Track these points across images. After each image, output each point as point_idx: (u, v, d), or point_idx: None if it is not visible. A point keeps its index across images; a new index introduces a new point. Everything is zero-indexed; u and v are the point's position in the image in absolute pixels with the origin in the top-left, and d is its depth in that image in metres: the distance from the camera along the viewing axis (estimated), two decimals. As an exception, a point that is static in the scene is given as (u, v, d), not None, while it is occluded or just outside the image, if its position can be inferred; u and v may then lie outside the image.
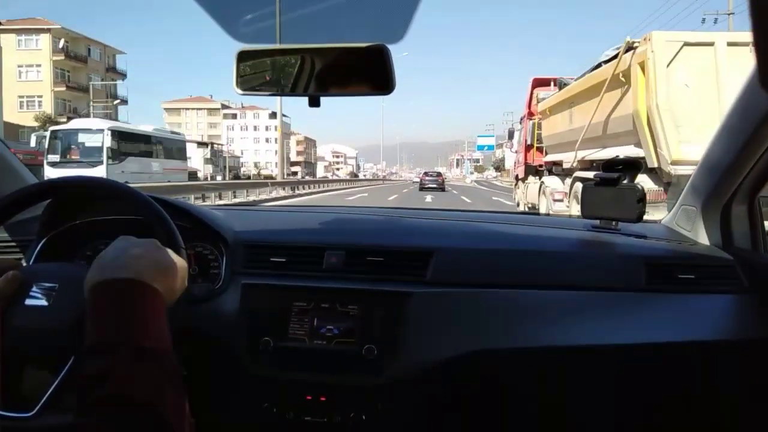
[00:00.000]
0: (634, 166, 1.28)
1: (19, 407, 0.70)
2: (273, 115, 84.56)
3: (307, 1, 1.00)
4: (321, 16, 0.99)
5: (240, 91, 0.97)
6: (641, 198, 1.21)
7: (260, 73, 0.99)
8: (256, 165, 77.81)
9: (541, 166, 10.72)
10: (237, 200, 15.72)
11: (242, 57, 0.96)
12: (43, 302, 0.74)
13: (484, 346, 1.05)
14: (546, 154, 10.20)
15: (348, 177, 72.08)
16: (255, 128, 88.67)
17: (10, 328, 0.71)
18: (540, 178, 10.29)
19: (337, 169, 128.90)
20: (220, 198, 14.40)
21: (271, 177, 66.48)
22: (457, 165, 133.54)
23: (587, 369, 1.11)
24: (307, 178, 67.02)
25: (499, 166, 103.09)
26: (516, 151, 13.45)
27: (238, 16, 0.96)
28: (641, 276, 1.13)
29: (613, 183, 1.26)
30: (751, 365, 1.11)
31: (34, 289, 0.75)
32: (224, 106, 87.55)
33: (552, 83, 10.73)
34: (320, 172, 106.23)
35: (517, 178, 13.04)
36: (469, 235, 1.29)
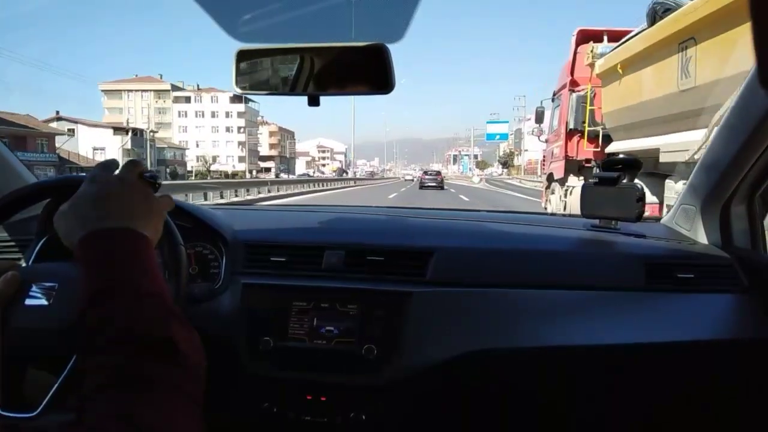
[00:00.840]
0: (633, 165, 1.29)
1: (21, 407, 0.70)
2: (236, 99, 70.82)
3: (306, 0, 1.00)
4: (321, 15, 0.99)
5: (239, 91, 0.98)
6: (640, 197, 1.22)
7: (259, 73, 0.99)
8: (205, 160, 64.02)
9: (589, 161, 7.53)
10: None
11: (241, 56, 0.96)
12: (44, 302, 0.74)
13: (484, 345, 1.05)
14: (603, 142, 6.85)
15: (334, 175, 62.61)
16: (213, 114, 72.74)
17: (10, 329, 0.71)
18: (587, 179, 6.39)
19: (323, 165, 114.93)
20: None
21: (227, 174, 56.74)
22: (454, 161, 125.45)
23: (587, 368, 1.11)
24: (283, 176, 56.97)
25: (506, 162, 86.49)
26: (546, 141, 9.63)
27: (237, 15, 0.96)
28: (641, 275, 1.13)
29: (612, 182, 1.26)
30: (750, 364, 1.12)
31: (33, 288, 0.75)
32: (175, 87, 71.99)
33: (605, 37, 7.21)
34: (301, 169, 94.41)
35: (550, 178, 9.08)
36: (469, 235, 1.29)
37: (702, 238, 1.29)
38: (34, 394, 0.71)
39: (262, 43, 0.99)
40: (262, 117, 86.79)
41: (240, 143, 73.20)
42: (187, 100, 73.39)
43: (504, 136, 56.93)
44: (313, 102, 0.96)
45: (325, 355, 1.02)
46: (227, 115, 73.95)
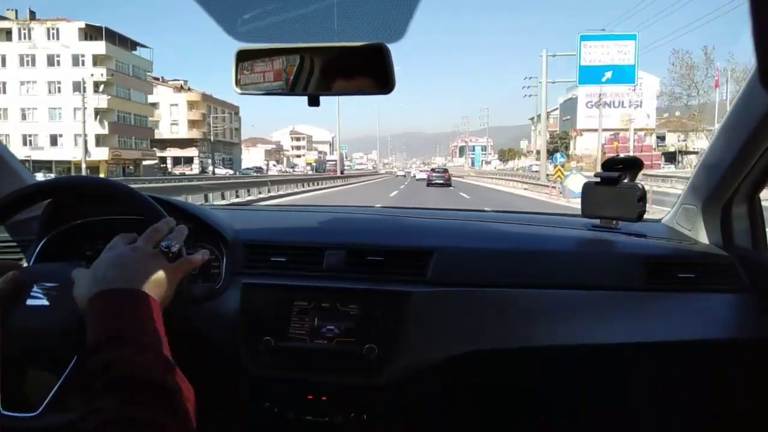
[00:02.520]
0: (634, 165, 1.28)
1: (22, 407, 0.70)
2: (92, 34, 40.19)
3: (306, 0, 1.00)
4: (320, 15, 0.99)
5: (239, 91, 0.97)
6: (641, 197, 1.21)
7: (259, 73, 0.99)
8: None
9: None
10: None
11: (241, 56, 0.96)
12: (44, 302, 0.75)
13: (484, 345, 1.05)
14: None
15: (307, 171, 44.78)
16: (52, 60, 39.98)
17: (11, 329, 0.72)
18: None
19: (297, 156, 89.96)
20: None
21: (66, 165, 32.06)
22: (461, 153, 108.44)
23: (587, 368, 1.12)
24: (219, 172, 38.05)
25: (555, 149, 42.28)
26: None
27: (237, 14, 0.96)
28: (641, 275, 1.13)
29: (613, 182, 1.26)
30: (751, 364, 1.12)
31: (34, 289, 0.76)
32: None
33: None
34: (254, 161, 67.43)
35: None
36: (470, 235, 1.29)
37: (703, 237, 1.29)
38: (36, 394, 0.72)
39: (262, 43, 0.99)
40: (185, 83, 57.20)
41: (99, 113, 38.71)
42: (8, 36, 40.08)
43: (627, 74, 23.75)
44: (313, 102, 0.96)
45: (326, 355, 1.03)
46: (77, 61, 39.78)
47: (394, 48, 0.91)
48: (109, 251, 0.72)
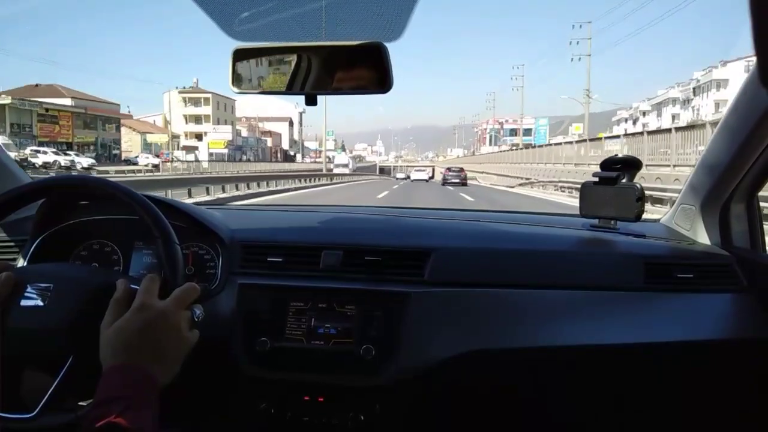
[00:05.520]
0: (633, 164, 1.28)
1: (18, 408, 0.70)
2: None
3: (304, -1, 1.00)
4: (318, 14, 0.99)
5: (236, 90, 0.97)
6: (640, 197, 1.21)
7: (257, 72, 0.98)
8: None
9: None
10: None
11: (238, 55, 0.95)
12: (39, 302, 0.74)
13: (482, 345, 1.04)
14: None
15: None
16: None
17: (6, 330, 0.71)
18: None
19: (196, 135, 45.61)
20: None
21: None
22: (493, 140, 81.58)
23: (586, 368, 1.11)
24: None
25: None
26: None
27: (234, 13, 0.95)
28: (640, 275, 1.13)
29: (612, 182, 1.26)
30: (750, 364, 1.11)
31: (29, 289, 0.75)
32: None
33: None
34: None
35: None
36: (468, 235, 1.29)
37: (701, 237, 1.29)
38: (32, 396, 0.71)
39: (259, 42, 0.98)
40: None
41: None
42: None
43: None
44: (311, 101, 0.96)
45: (323, 356, 1.02)
46: None
47: (395, 46, 0.90)
48: (138, 313, 0.71)
